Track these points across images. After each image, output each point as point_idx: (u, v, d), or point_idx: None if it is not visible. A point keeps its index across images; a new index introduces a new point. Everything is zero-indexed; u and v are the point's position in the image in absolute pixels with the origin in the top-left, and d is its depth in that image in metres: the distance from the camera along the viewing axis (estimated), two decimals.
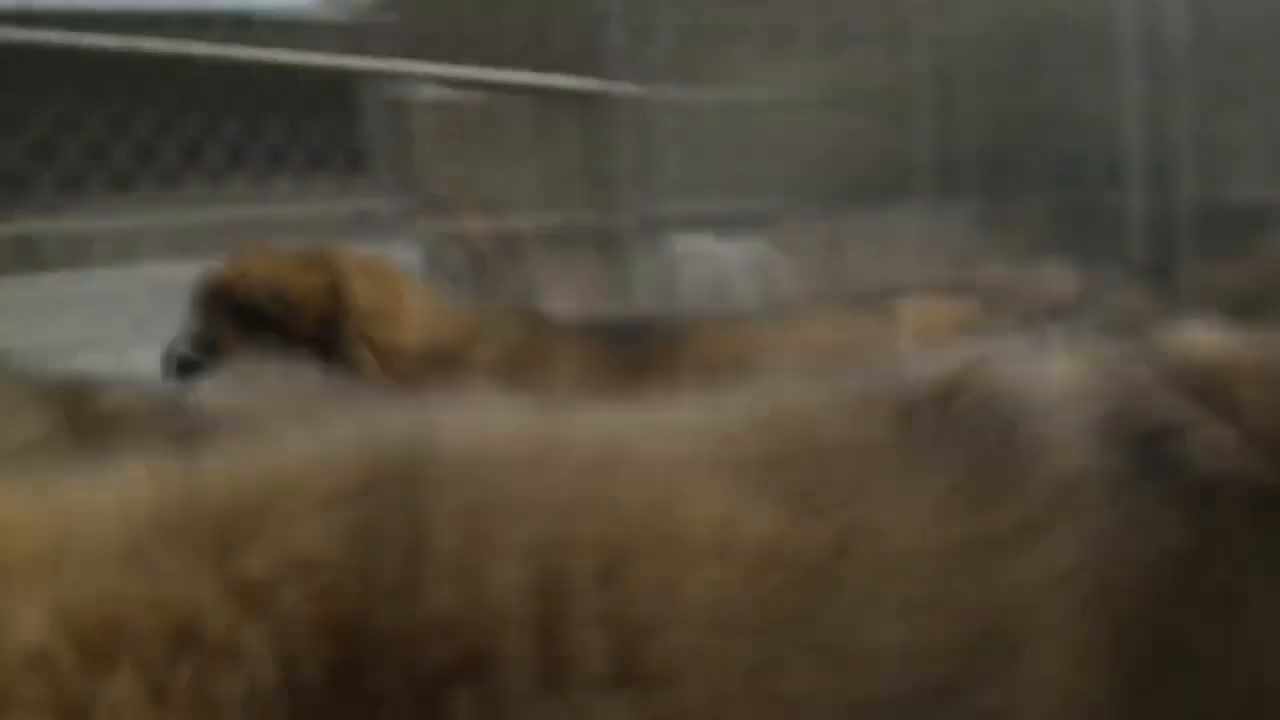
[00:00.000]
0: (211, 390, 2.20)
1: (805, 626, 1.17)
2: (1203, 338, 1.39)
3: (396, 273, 4.08)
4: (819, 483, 1.25)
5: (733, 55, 8.29)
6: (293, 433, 1.38)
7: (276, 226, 9.30)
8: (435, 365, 3.61)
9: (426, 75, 5.94)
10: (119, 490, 1.29)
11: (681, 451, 1.31)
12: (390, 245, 5.86)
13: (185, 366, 3.94)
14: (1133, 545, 1.21)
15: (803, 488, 1.25)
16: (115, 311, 7.83)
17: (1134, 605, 1.20)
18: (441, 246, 7.08)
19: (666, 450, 1.32)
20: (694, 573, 1.19)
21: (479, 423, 1.34)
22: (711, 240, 10.05)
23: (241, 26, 6.59)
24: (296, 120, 7.66)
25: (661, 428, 1.35)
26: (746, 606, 1.17)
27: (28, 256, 8.87)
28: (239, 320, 3.94)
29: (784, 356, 3.34)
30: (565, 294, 6.52)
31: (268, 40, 6.45)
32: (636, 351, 3.60)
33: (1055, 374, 1.32)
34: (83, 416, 1.85)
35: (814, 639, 1.16)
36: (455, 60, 6.00)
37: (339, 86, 6.12)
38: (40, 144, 7.43)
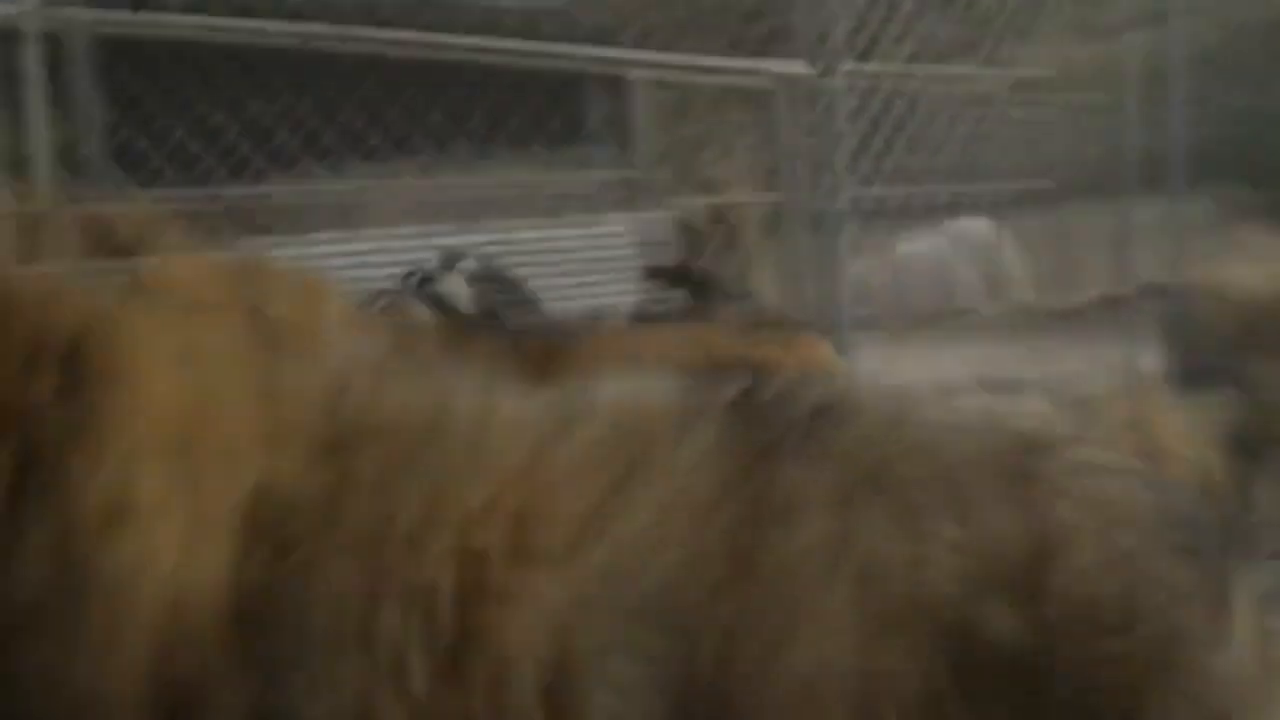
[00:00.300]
0: None
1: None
2: None
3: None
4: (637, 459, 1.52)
5: (969, 38, 8.17)
6: None
7: (493, 195, 9.68)
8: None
9: (637, 61, 6.05)
10: None
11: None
12: (602, 219, 6.01)
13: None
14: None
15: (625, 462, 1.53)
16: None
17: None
18: (656, 222, 7.24)
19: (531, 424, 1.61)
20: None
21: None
22: (979, 223, 9.94)
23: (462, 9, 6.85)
24: (516, 92, 7.91)
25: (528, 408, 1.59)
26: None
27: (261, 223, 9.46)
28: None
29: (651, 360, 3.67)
30: (778, 275, 6.57)
31: (489, 22, 6.69)
32: (538, 348, 3.90)
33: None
34: None
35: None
36: (663, 45, 6.13)
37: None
38: (294, 115, 7.89)
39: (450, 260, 4.82)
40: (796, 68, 6.20)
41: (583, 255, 9.29)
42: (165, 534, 1.41)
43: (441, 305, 4.55)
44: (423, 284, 4.67)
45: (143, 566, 1.41)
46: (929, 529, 1.47)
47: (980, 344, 7.75)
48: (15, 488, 1.41)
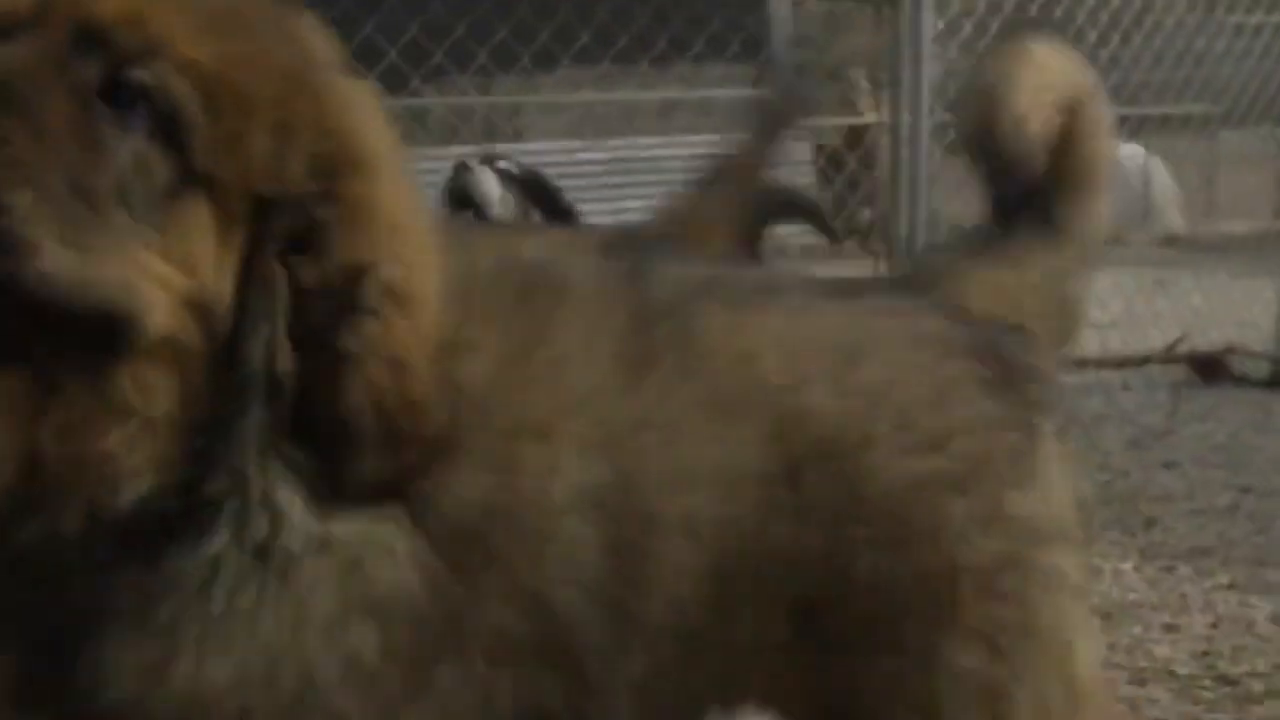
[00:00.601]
0: None
1: None
2: None
3: None
4: None
5: None
6: None
7: (673, 108, 9.68)
8: None
9: None
10: None
11: None
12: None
13: None
14: None
15: None
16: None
17: None
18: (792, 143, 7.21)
19: None
20: None
21: None
22: (1131, 148, 9.72)
23: None
24: (699, 9, 7.89)
25: None
26: None
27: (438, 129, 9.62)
28: None
29: None
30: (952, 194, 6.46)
31: None
32: None
33: None
34: None
35: None
36: None
37: None
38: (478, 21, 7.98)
39: (488, 160, 4.81)
40: None
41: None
42: None
43: (467, 202, 4.56)
44: (455, 180, 4.68)
45: None
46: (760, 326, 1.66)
47: (1130, 271, 7.62)
48: None
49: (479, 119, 9.84)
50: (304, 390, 1.36)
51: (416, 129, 10.13)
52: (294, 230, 1.37)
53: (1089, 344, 6.45)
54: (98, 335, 1.31)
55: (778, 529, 1.56)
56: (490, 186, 4.57)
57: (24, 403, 1.33)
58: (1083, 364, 6.22)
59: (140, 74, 1.33)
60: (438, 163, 9.03)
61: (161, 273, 1.31)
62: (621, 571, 1.53)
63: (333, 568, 1.41)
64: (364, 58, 8.05)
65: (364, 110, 1.46)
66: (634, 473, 1.54)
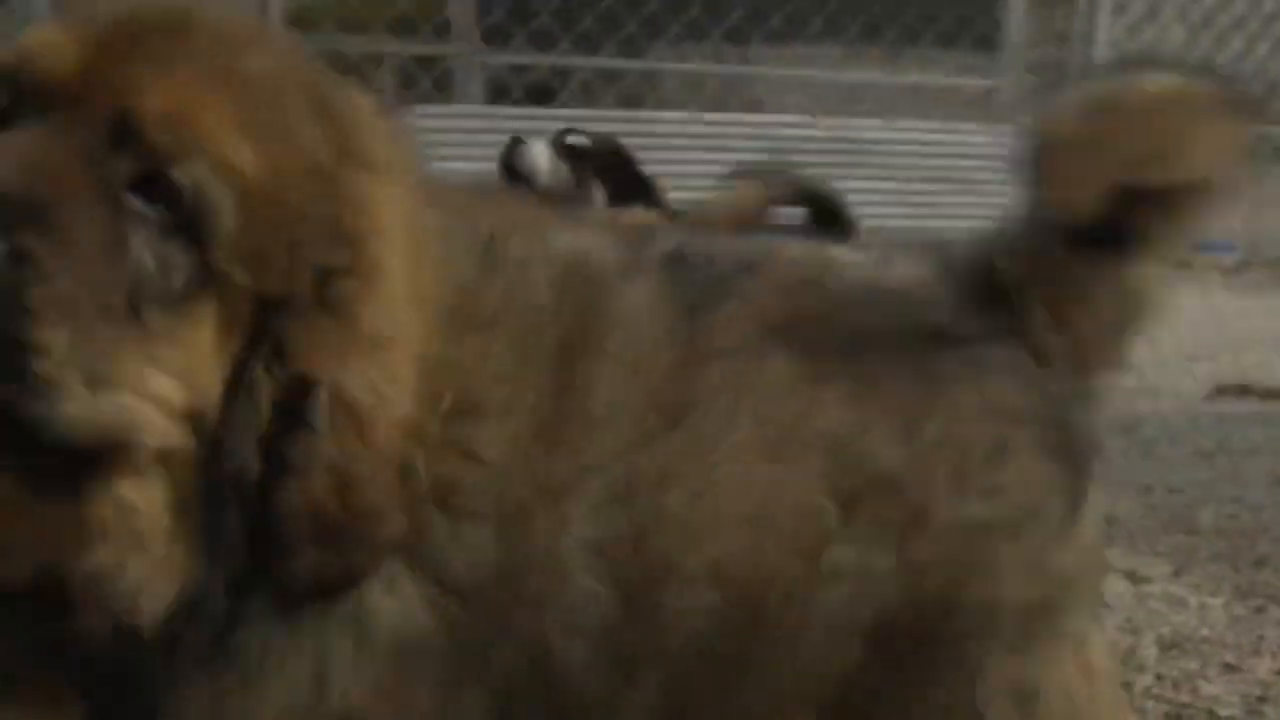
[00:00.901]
0: None
1: None
2: None
3: None
4: None
5: None
6: None
7: (903, 94, 9.76)
8: None
9: None
10: None
11: None
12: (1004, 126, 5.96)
13: None
14: None
15: None
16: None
17: None
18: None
19: None
20: None
21: None
22: None
23: None
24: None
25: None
26: None
27: (643, 94, 9.89)
28: None
29: None
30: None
31: None
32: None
33: None
34: None
35: None
36: None
37: None
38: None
39: (560, 136, 4.71)
40: None
41: (926, 161, 9.18)
42: None
43: (515, 175, 4.56)
44: (507, 153, 4.68)
45: None
46: (825, 375, 1.64)
47: None
48: None
49: (711, 88, 10.09)
50: (259, 493, 1.39)
51: (648, 93, 10.43)
52: (278, 336, 1.39)
53: (1260, 372, 6.36)
54: (87, 460, 1.31)
55: (839, 555, 1.61)
56: (539, 160, 4.59)
57: (20, 518, 1.34)
58: (1245, 391, 6.05)
59: (177, 174, 1.33)
60: (666, 125, 9.33)
61: (164, 391, 1.32)
62: (635, 621, 1.57)
63: (348, 619, 1.46)
64: (606, 23, 8.34)
65: (386, 207, 1.46)
66: (652, 524, 1.56)
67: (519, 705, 1.57)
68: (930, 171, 8.57)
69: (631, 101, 9.69)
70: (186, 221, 1.33)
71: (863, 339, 1.69)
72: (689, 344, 1.60)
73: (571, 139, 4.71)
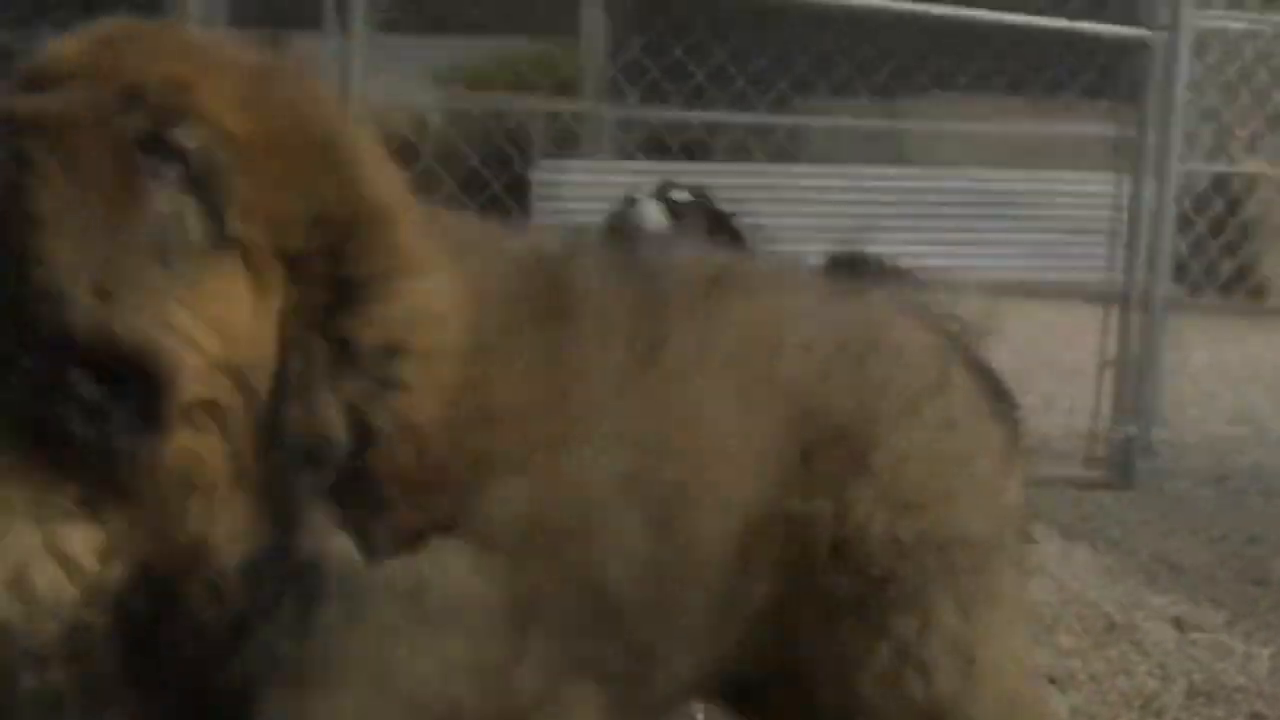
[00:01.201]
0: None
1: None
2: None
3: None
4: None
5: None
6: None
7: (1046, 143, 9.81)
8: None
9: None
10: None
11: None
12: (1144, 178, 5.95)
13: None
14: None
15: None
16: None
17: None
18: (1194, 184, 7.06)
19: None
20: None
21: None
22: None
23: None
24: (1079, 53, 7.97)
25: None
26: None
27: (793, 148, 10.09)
28: None
29: None
30: None
31: None
32: None
33: None
34: None
35: None
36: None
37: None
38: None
39: (663, 190, 4.78)
40: None
41: (1049, 210, 9.27)
42: None
43: (621, 232, 4.59)
44: (618, 211, 4.73)
45: None
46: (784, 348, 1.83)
47: None
48: None
49: (856, 139, 10.28)
50: (360, 460, 1.44)
51: (802, 148, 10.66)
52: (328, 299, 1.45)
53: None
54: (140, 405, 1.35)
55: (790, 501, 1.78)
56: (652, 218, 4.64)
57: (95, 506, 1.38)
58: None
59: (179, 134, 1.39)
60: (815, 180, 9.53)
61: (194, 333, 1.37)
62: (662, 543, 1.69)
63: (403, 598, 1.52)
64: (758, 82, 8.53)
65: (385, 175, 1.54)
66: (662, 454, 1.70)
67: (584, 644, 1.66)
68: (1076, 222, 8.56)
69: (783, 156, 9.96)
70: (194, 182, 1.39)
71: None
72: (646, 293, 1.78)
73: (675, 194, 4.88)
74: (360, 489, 1.45)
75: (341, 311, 1.45)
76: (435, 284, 1.51)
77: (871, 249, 3.22)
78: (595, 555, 1.66)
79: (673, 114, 9.58)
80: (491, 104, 9.75)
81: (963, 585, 1.88)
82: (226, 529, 1.42)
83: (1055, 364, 6.56)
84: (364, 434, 1.44)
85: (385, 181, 1.53)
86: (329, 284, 1.45)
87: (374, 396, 1.45)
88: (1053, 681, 3.23)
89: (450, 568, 1.55)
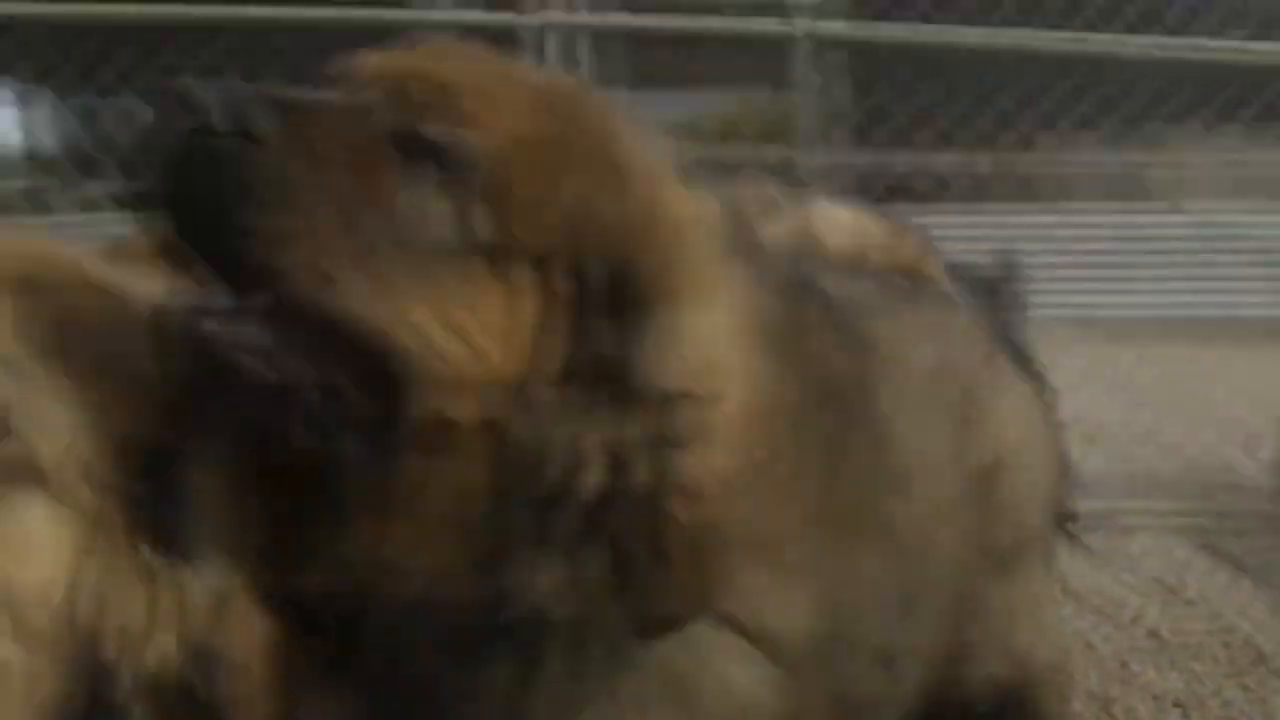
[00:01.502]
0: None
1: None
2: None
3: None
4: None
5: None
6: None
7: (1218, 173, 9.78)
8: None
9: None
10: None
11: None
12: None
13: None
14: None
15: None
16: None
17: None
18: None
19: None
20: None
21: None
22: None
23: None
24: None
25: None
26: None
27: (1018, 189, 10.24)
28: None
29: None
30: None
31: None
32: None
33: None
34: None
35: None
36: None
37: None
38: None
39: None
40: None
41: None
42: None
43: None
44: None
45: None
46: None
47: None
48: None
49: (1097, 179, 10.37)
50: (612, 513, 1.24)
51: (1039, 187, 10.81)
52: (598, 321, 1.27)
53: None
54: (373, 412, 1.22)
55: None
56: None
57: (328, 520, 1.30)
58: None
59: (434, 130, 1.31)
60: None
61: (434, 336, 1.22)
62: (900, 636, 1.74)
63: (672, 689, 1.38)
64: (1001, 122, 8.76)
65: (674, 187, 1.40)
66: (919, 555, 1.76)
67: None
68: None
69: (1023, 195, 10.17)
70: (449, 179, 1.30)
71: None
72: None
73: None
74: (600, 545, 1.27)
75: (614, 338, 1.28)
76: (727, 317, 1.33)
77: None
78: (860, 668, 1.56)
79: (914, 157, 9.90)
80: (755, 154, 10.15)
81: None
82: (428, 563, 1.28)
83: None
84: (623, 486, 1.26)
85: (674, 194, 1.38)
86: (600, 304, 1.29)
87: (646, 444, 1.26)
88: (1177, 706, 3.29)
89: (735, 675, 1.41)
